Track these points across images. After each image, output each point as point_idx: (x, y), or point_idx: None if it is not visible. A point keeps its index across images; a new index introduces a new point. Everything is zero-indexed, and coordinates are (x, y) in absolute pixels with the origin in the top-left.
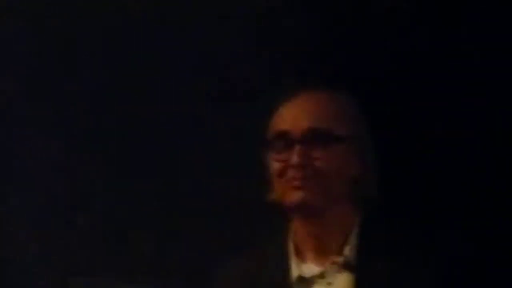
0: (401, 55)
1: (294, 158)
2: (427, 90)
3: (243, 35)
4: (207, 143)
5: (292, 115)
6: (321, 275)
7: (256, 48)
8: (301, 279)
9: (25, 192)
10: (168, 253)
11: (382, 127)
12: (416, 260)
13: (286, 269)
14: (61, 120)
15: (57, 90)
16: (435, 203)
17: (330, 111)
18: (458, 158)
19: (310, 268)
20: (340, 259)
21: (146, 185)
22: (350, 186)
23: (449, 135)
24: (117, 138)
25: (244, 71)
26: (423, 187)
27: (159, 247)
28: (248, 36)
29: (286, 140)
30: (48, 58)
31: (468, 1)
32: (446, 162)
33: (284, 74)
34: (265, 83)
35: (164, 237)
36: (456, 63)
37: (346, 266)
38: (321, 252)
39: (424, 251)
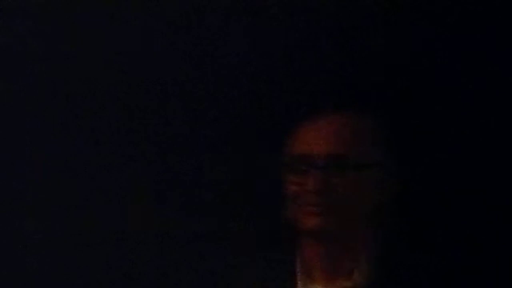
0: (427, 74)
1: (312, 184)
2: (454, 112)
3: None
4: (222, 151)
5: (312, 139)
6: None
7: (274, 66)
8: None
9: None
10: (172, 257)
11: (404, 151)
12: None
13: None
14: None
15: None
16: (452, 230)
17: (351, 137)
18: (485, 185)
19: None
20: (348, 284)
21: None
22: (367, 212)
23: (477, 162)
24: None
25: (262, 89)
26: (439, 212)
27: (163, 250)
28: (264, 52)
29: (304, 164)
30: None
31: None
32: (471, 189)
33: (303, 95)
34: (284, 102)
35: (169, 240)
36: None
37: None
38: (330, 274)
39: (436, 279)
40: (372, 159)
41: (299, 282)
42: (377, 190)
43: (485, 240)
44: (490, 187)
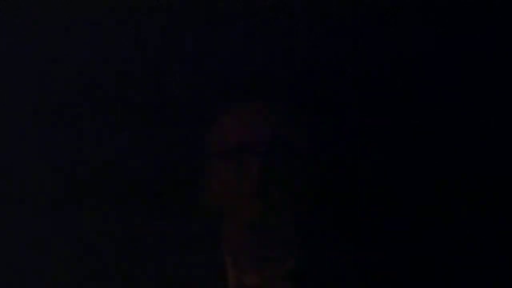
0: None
1: (253, 171)
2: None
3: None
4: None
5: (249, 127)
6: (261, 286)
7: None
8: None
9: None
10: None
11: (325, 135)
12: (359, 272)
13: (222, 280)
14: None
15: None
16: (383, 217)
17: (281, 123)
18: (417, 174)
19: (249, 279)
20: (280, 271)
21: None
22: (298, 199)
23: (394, 142)
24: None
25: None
26: (371, 199)
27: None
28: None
29: (242, 151)
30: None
31: None
32: (399, 179)
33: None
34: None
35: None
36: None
37: (287, 277)
38: (262, 263)
39: (366, 265)
40: (301, 146)
41: (229, 273)
42: (307, 177)
43: (412, 225)
44: (420, 177)
